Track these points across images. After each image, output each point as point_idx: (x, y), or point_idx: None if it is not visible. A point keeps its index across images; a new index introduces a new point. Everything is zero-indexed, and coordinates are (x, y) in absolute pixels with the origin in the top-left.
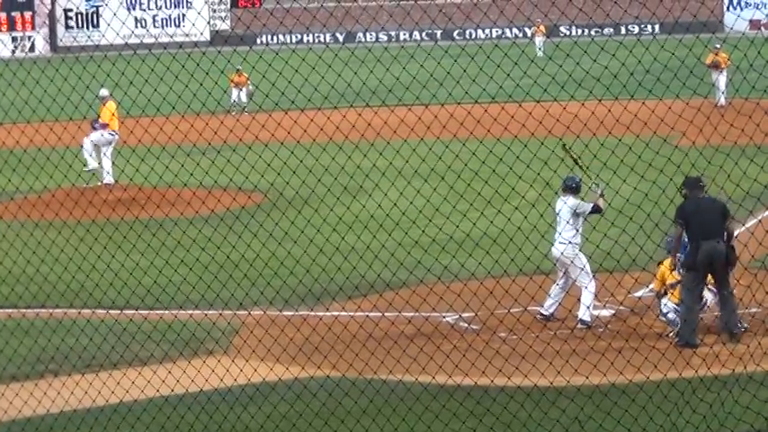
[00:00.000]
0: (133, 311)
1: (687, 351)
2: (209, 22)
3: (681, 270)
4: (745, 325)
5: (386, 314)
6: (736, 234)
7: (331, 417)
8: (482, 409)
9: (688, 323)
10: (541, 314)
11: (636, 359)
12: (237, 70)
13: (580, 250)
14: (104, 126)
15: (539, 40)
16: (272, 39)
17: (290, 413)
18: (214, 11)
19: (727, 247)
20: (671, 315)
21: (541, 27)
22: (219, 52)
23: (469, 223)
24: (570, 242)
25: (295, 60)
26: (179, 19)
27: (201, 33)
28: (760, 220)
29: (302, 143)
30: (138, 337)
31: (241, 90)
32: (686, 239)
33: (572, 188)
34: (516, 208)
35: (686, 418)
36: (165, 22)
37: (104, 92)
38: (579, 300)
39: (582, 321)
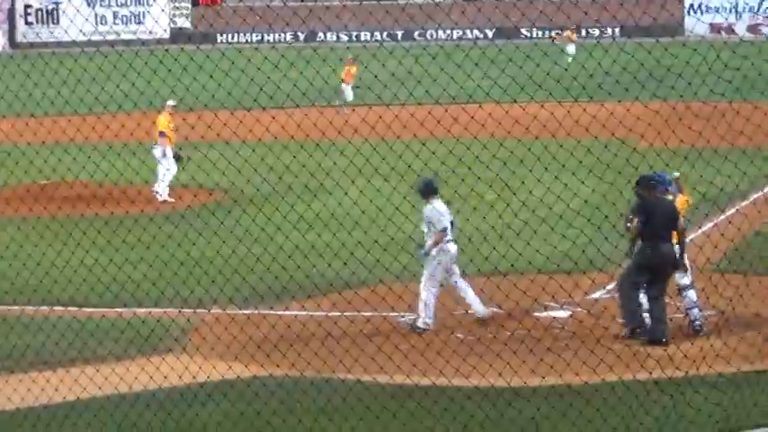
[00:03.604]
0: (92, 309)
1: (641, 353)
2: (171, 20)
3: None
4: (703, 327)
5: (345, 313)
6: (691, 238)
7: (289, 415)
8: (439, 408)
9: (632, 310)
10: (480, 318)
11: (591, 360)
12: (353, 58)
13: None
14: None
15: (572, 47)
16: (233, 37)
17: (249, 411)
18: (176, 8)
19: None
20: (695, 311)
21: (571, 35)
22: (183, 49)
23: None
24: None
25: (257, 58)
26: (140, 16)
27: (165, 31)
28: (716, 224)
29: (264, 141)
30: (96, 335)
31: (348, 85)
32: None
33: (425, 194)
34: (475, 208)
35: (640, 421)
36: (125, 19)
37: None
38: (470, 300)
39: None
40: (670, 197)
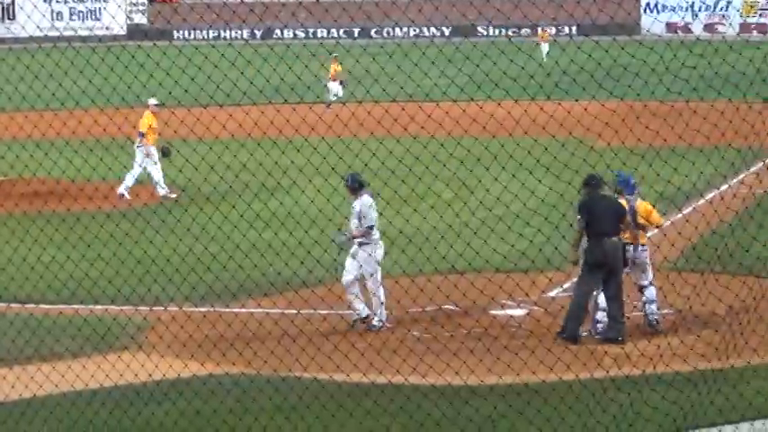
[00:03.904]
0: (48, 306)
1: (599, 351)
2: (127, 16)
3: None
4: (659, 323)
5: (301, 311)
6: (648, 236)
7: (245, 413)
8: (396, 407)
9: (575, 317)
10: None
11: (548, 359)
12: (335, 57)
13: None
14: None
15: (546, 46)
16: (189, 34)
17: (204, 409)
18: (132, 4)
19: (623, 247)
20: (653, 306)
21: (546, 34)
22: (140, 46)
23: (385, 221)
24: None
25: (214, 56)
26: (96, 12)
27: (122, 27)
28: (673, 223)
29: (221, 139)
30: (53, 332)
31: (338, 82)
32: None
33: (355, 189)
34: (432, 207)
35: (597, 419)
36: (81, 15)
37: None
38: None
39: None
40: (627, 197)
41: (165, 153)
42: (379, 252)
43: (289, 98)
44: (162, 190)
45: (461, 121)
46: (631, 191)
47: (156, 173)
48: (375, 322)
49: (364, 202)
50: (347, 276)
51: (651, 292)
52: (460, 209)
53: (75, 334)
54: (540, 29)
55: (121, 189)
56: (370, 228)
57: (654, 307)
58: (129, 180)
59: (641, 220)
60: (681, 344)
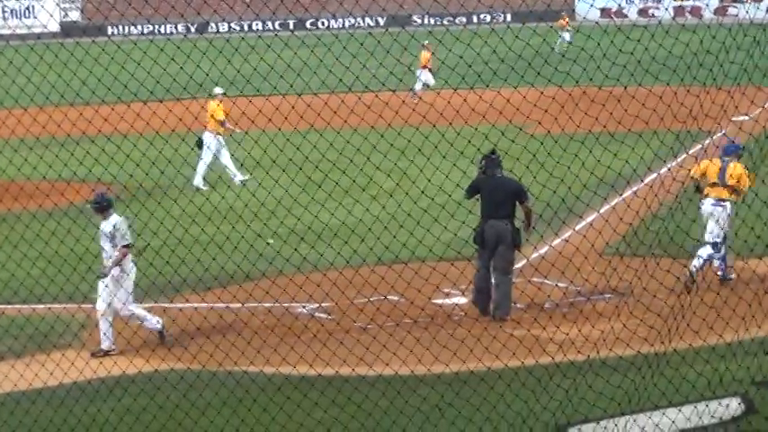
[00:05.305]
0: None
1: (544, 337)
2: (65, 13)
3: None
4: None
5: (245, 305)
6: (590, 221)
7: (192, 409)
8: (343, 397)
9: (478, 291)
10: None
11: (494, 346)
12: (424, 45)
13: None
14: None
15: (567, 34)
16: (124, 29)
17: (151, 406)
18: (71, 0)
19: (513, 229)
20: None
21: (565, 21)
22: (78, 43)
23: (328, 213)
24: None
25: (153, 51)
26: (31, 10)
27: (58, 23)
28: (614, 207)
29: (161, 134)
30: None
31: (428, 70)
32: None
33: (104, 208)
34: (374, 198)
35: (543, 405)
36: (16, 13)
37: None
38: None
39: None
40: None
41: (199, 145)
42: (130, 280)
43: (228, 91)
44: (235, 177)
45: (401, 111)
46: (728, 153)
47: (227, 159)
48: (105, 347)
49: (116, 221)
50: (101, 304)
51: (706, 250)
52: (402, 199)
53: (17, 333)
54: (562, 17)
55: (197, 181)
56: (128, 246)
57: (716, 263)
58: (202, 168)
59: (731, 181)
60: (623, 328)
